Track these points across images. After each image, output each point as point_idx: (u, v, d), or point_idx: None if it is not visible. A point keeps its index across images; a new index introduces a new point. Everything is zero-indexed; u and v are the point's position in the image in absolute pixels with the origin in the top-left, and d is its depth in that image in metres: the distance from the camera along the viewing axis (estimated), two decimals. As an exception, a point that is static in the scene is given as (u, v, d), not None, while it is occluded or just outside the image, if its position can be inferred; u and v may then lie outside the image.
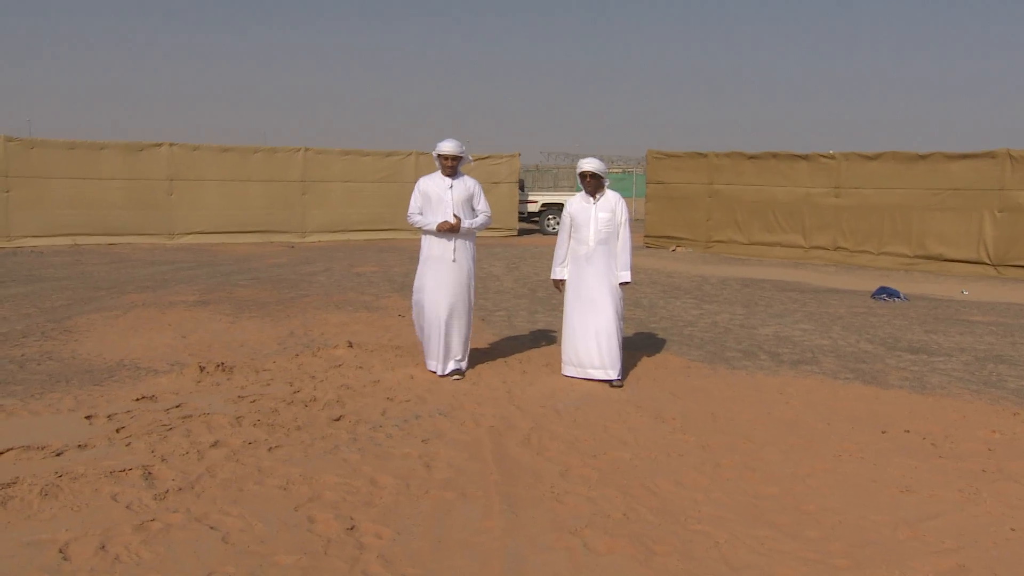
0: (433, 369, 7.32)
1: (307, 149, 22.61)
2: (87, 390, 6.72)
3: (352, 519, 4.27)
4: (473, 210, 7.38)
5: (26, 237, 19.39)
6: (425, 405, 6.40)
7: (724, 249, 20.24)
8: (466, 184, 7.36)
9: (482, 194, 7.48)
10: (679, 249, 20.66)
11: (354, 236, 23.03)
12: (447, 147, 7.20)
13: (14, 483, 4.62)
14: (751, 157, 19.81)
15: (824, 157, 18.61)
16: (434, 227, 7.19)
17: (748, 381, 7.30)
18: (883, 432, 5.75)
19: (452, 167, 7.24)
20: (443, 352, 7.23)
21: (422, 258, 7.34)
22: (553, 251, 7.58)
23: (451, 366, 7.29)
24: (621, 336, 7.22)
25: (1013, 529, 4.14)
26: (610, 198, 7.29)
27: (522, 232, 25.82)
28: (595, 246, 7.17)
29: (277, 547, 3.95)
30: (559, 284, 7.51)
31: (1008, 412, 6.31)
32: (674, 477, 4.90)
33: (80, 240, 19.98)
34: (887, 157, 17.70)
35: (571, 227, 7.34)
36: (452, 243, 7.22)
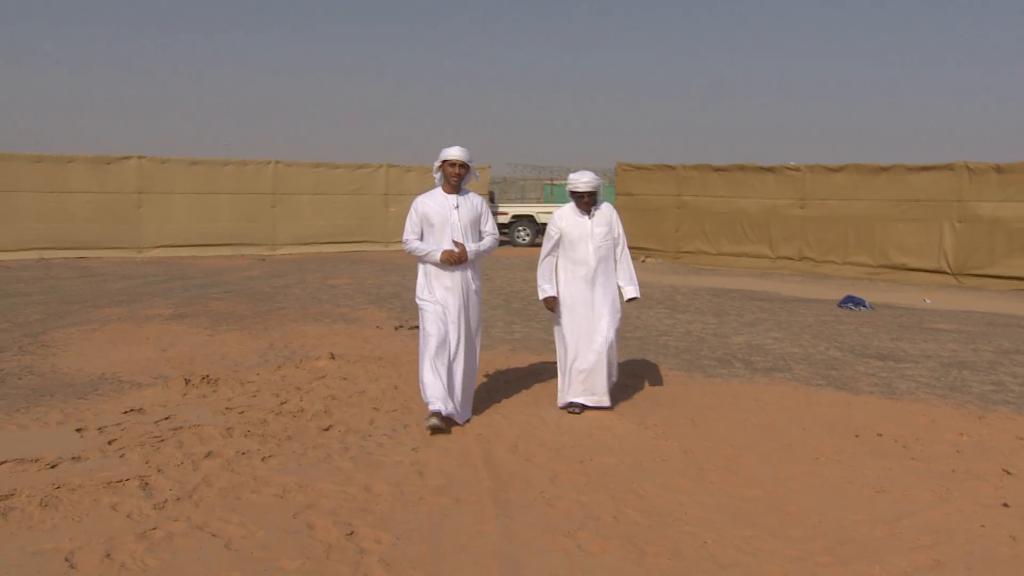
0: (442, 410, 6.02)
1: (277, 162, 22.63)
2: (72, 403, 6.76)
3: (351, 525, 4.39)
4: (479, 232, 6.43)
5: (-7, 251, 19.22)
6: (412, 415, 6.52)
7: (693, 260, 20.56)
8: (473, 203, 6.39)
9: (490, 212, 6.54)
10: (648, 260, 20.94)
11: (325, 248, 23.06)
12: (455, 152, 6.18)
13: (12, 495, 4.68)
14: (718, 169, 20.17)
15: (790, 169, 19.01)
16: (437, 257, 6.18)
17: (724, 388, 7.51)
18: (856, 436, 5.98)
19: (459, 177, 6.24)
20: (456, 391, 6.23)
21: (428, 289, 6.29)
22: (537, 268, 6.82)
23: (463, 412, 6.31)
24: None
25: (983, 526, 4.36)
26: (605, 211, 6.69)
27: (492, 244, 25.99)
28: (597, 264, 6.55)
29: (280, 553, 4.06)
30: (551, 303, 6.69)
31: (974, 416, 6.57)
32: (660, 481, 5.07)
33: (48, 254, 19.83)
34: (850, 169, 18.13)
35: (560, 243, 6.65)
36: (467, 271, 6.31)
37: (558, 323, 6.71)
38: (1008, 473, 5.17)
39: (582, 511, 4.59)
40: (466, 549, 4.13)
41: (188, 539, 4.21)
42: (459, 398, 6.20)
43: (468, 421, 6.34)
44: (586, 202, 6.60)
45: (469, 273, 6.35)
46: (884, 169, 17.66)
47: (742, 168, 19.73)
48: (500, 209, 26.82)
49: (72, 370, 8.06)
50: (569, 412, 6.59)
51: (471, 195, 6.45)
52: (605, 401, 6.61)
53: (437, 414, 5.96)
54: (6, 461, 5.25)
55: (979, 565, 3.91)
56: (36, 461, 5.28)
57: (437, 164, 6.31)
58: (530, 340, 9.85)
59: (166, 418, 6.29)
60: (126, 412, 6.45)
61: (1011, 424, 6.34)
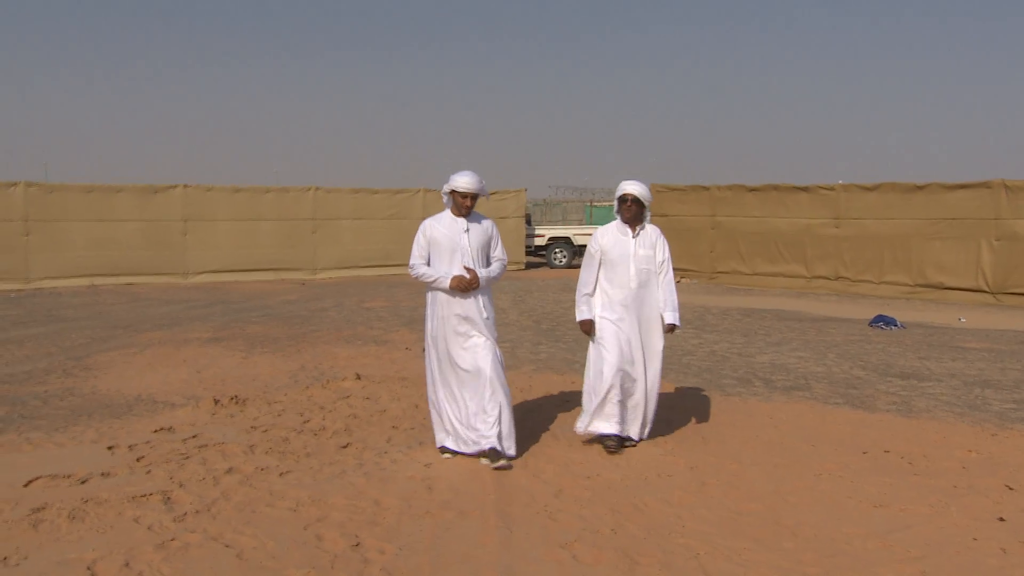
0: (464, 450, 5.92)
1: (317, 188, 23.13)
2: (108, 423, 7.06)
3: (357, 536, 4.57)
4: (488, 257, 6.12)
5: (45, 279, 19.89)
6: (429, 433, 6.68)
7: (728, 280, 20.55)
8: (483, 227, 6.07)
9: (499, 237, 6.23)
10: (684, 280, 20.96)
11: (364, 272, 23.45)
12: (465, 182, 5.86)
13: (43, 508, 4.95)
14: (752, 189, 20.19)
15: (824, 188, 18.96)
16: (447, 284, 5.87)
17: (741, 407, 7.58)
18: (864, 453, 6.02)
19: (469, 208, 5.97)
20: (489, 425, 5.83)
21: (436, 322, 5.99)
22: (576, 287, 6.39)
23: (492, 442, 5.80)
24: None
25: (975, 539, 4.40)
26: (651, 232, 6.27)
27: (529, 266, 26.20)
28: (636, 290, 6.13)
29: (288, 562, 4.25)
30: (588, 326, 6.24)
31: (987, 433, 6.57)
32: (662, 496, 5.18)
33: (97, 281, 20.46)
34: (885, 188, 18.05)
35: (601, 263, 6.24)
36: (478, 298, 5.94)
37: (594, 347, 6.24)
38: (1010, 489, 5.19)
39: (581, 524, 4.72)
40: (465, 559, 4.28)
41: (203, 549, 4.42)
42: (504, 432, 5.81)
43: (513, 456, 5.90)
44: (630, 207, 6.14)
45: (481, 300, 5.95)
46: (920, 187, 17.55)
47: (776, 188, 19.74)
48: (537, 231, 27.04)
49: (111, 391, 8.39)
50: (607, 450, 6.10)
51: (482, 218, 6.12)
52: (632, 433, 6.23)
53: (446, 450, 6.02)
54: (40, 477, 5.53)
55: (964, 576, 3.97)
56: (68, 477, 5.55)
57: (447, 189, 5.96)
58: (554, 360, 10.00)
59: (193, 436, 6.55)
60: (156, 431, 6.72)
61: (1020, 441, 6.32)
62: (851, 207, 18.49)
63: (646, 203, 6.19)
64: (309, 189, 23.07)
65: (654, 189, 22.31)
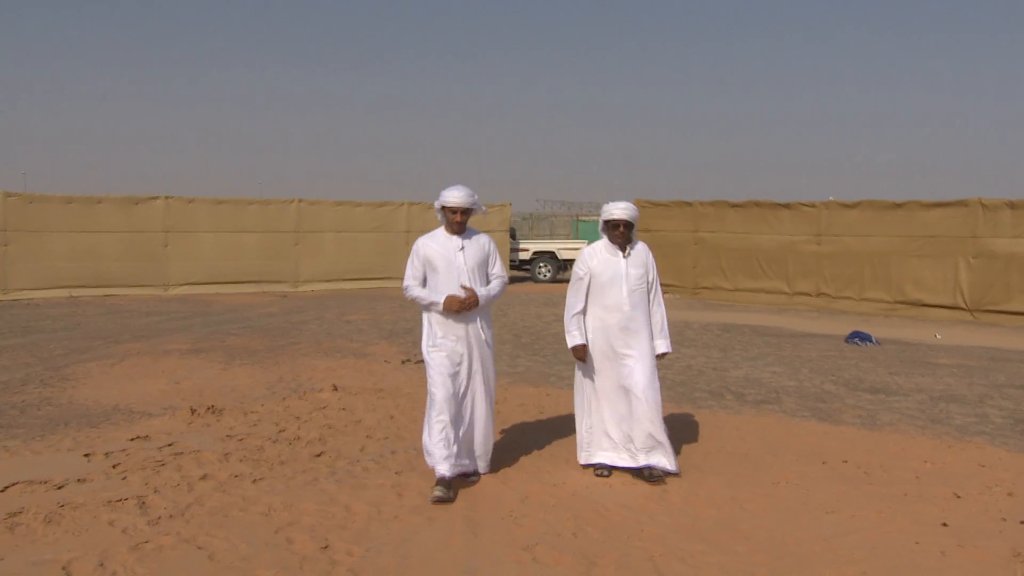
0: (447, 473, 5.59)
1: (300, 200, 23.33)
2: (85, 432, 7.24)
3: (327, 539, 4.79)
4: (486, 275, 5.93)
5: (23, 290, 19.96)
6: (402, 442, 6.93)
7: (711, 295, 20.86)
8: (479, 244, 5.87)
9: (497, 254, 6.02)
10: (667, 295, 21.24)
11: (347, 285, 23.63)
12: (455, 197, 5.69)
13: (20, 512, 5.14)
14: (735, 205, 20.53)
15: (806, 205, 19.30)
16: (441, 306, 5.68)
17: (709, 419, 7.83)
18: (824, 463, 6.29)
19: (462, 224, 5.77)
20: (469, 449, 5.89)
21: (434, 340, 5.79)
22: (564, 312, 6.20)
23: (483, 467, 5.97)
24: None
25: (917, 543, 4.66)
26: (640, 251, 6.07)
27: (513, 280, 26.45)
28: (630, 312, 5.92)
29: (258, 563, 4.47)
30: (581, 351, 6.02)
31: (944, 445, 6.85)
32: (624, 502, 5.42)
33: (78, 292, 20.55)
34: (865, 205, 18.41)
35: (590, 285, 6.03)
36: (476, 320, 5.81)
37: (584, 376, 6.12)
38: (958, 497, 5.46)
39: (544, 528, 4.96)
40: (430, 561, 4.51)
41: (176, 551, 4.63)
42: (478, 453, 5.89)
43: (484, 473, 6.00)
44: (622, 232, 5.94)
45: (479, 321, 5.82)
46: (899, 205, 17.91)
47: (758, 204, 20.08)
48: (521, 245, 27.30)
49: (88, 401, 8.56)
50: (596, 474, 5.99)
51: (478, 235, 5.92)
52: (651, 460, 5.87)
53: (443, 481, 5.52)
54: (17, 483, 5.72)
55: (903, 576, 4.23)
56: (45, 483, 5.74)
57: (438, 205, 5.80)
58: (531, 373, 10.23)
59: (169, 444, 6.75)
60: (132, 439, 6.91)
61: (978, 453, 6.60)
62: (832, 224, 18.84)
63: (635, 223, 6.01)
64: (292, 201, 23.27)
65: (638, 204, 22.63)
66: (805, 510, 5.24)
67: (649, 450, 5.83)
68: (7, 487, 5.64)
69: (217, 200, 22.56)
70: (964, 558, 4.47)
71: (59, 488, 5.65)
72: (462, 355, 5.77)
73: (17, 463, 6.27)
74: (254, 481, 5.83)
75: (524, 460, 6.41)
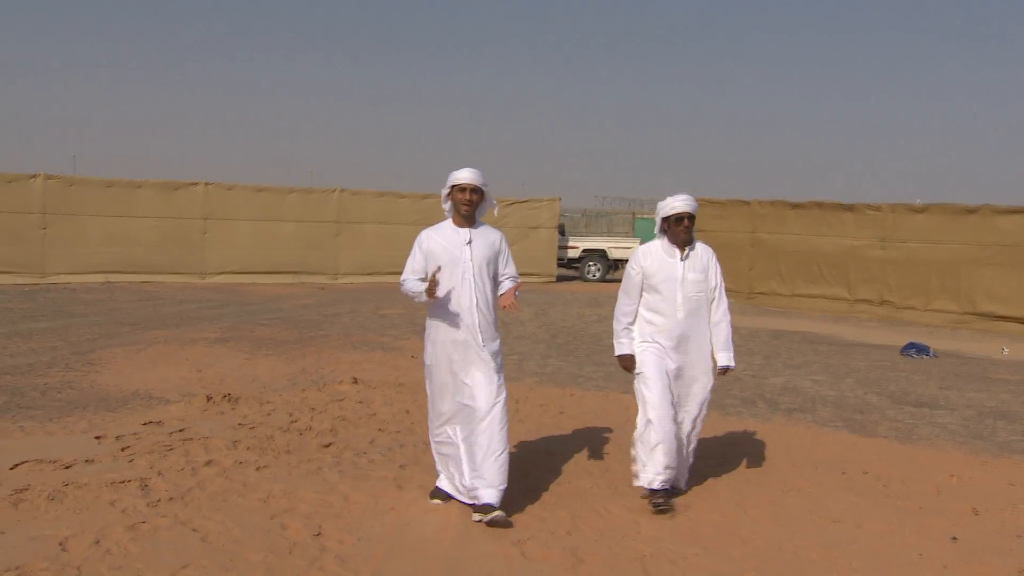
0: (455, 495, 5.51)
1: (342, 190, 23.76)
2: (101, 415, 7.63)
3: (320, 527, 5.05)
4: (495, 274, 5.61)
5: (60, 274, 20.74)
6: (413, 436, 7.17)
7: (767, 301, 20.76)
8: (490, 239, 5.56)
9: (509, 252, 5.70)
10: (721, 300, 21.21)
11: (387, 279, 23.93)
12: (465, 175, 5.45)
13: (26, 489, 5.50)
14: (795, 206, 20.41)
15: (870, 208, 19.10)
16: (425, 296, 5.34)
17: (735, 426, 7.94)
18: (843, 473, 6.38)
19: (471, 205, 5.45)
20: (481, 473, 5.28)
21: (434, 348, 5.52)
22: (614, 315, 5.89)
23: (489, 495, 5.20)
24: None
25: (920, 555, 4.76)
26: (701, 254, 5.77)
27: (561, 279, 26.59)
28: (684, 319, 5.62)
29: (249, 546, 4.74)
30: (628, 361, 5.77)
31: (979, 461, 6.87)
32: (625, 503, 5.59)
33: (113, 278, 21.25)
34: (934, 210, 18.17)
35: (643, 287, 5.74)
36: (475, 318, 5.40)
37: (640, 391, 5.70)
38: (976, 513, 5.51)
39: (540, 525, 5.16)
40: (419, 552, 4.74)
41: (170, 532, 4.92)
42: (488, 472, 5.23)
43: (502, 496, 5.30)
44: (687, 226, 5.62)
45: (480, 323, 5.43)
46: (971, 210, 17.63)
47: (820, 205, 19.93)
48: (570, 243, 27.42)
49: (109, 386, 8.98)
50: (654, 508, 5.44)
51: (487, 228, 5.61)
52: (681, 483, 5.82)
53: (439, 492, 5.56)
54: (27, 461, 6.10)
55: (896, 588, 4.34)
56: (53, 462, 6.11)
57: (445, 192, 5.57)
58: (559, 374, 10.42)
59: (180, 430, 7.08)
60: (145, 424, 7.27)
61: (1013, 470, 6.63)
62: (898, 229, 18.62)
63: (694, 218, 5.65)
64: (334, 191, 23.71)
65: (693, 203, 22.62)
66: (810, 519, 5.35)
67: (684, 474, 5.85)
68: (17, 465, 6.02)
69: (257, 188, 23.12)
70: (967, 573, 4.55)
71: (67, 468, 6.00)
72: (461, 361, 5.38)
73: (30, 443, 6.65)
74: (258, 468, 6.12)
75: (532, 459, 6.60)
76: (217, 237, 22.42)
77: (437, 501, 5.54)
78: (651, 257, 5.73)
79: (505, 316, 16.20)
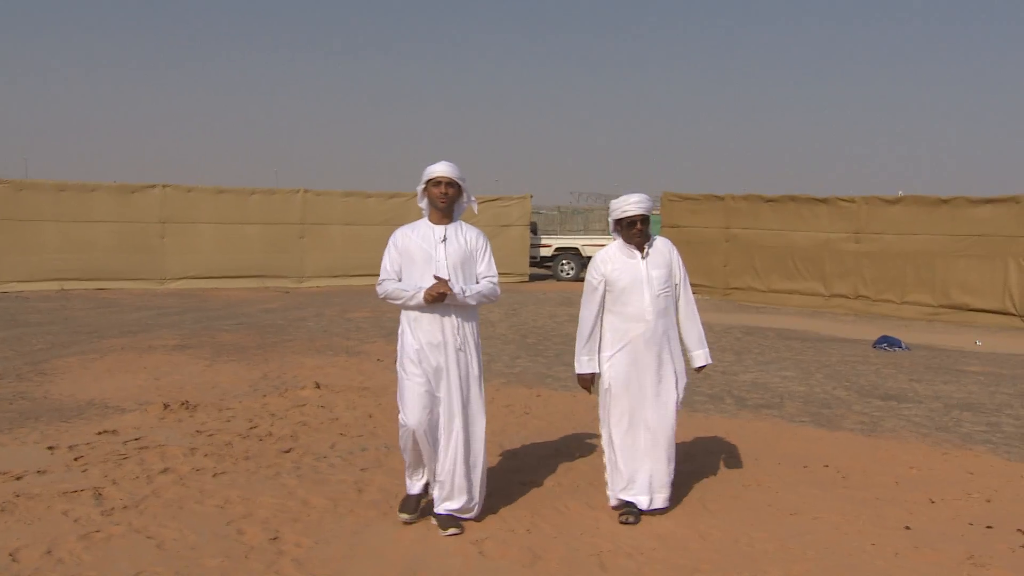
0: (417, 491, 5.51)
1: (306, 191, 23.76)
2: (54, 426, 7.70)
3: (278, 531, 5.19)
4: (472, 275, 5.46)
5: (12, 282, 20.60)
6: (375, 439, 7.31)
7: (743, 297, 21.02)
8: (467, 237, 5.44)
9: (489, 251, 5.55)
10: (695, 296, 21.41)
11: (355, 281, 23.98)
12: (440, 168, 5.35)
13: (-24, 500, 5.59)
14: (769, 200, 20.70)
15: (844, 201, 19.41)
16: (421, 297, 5.22)
17: (701, 423, 8.13)
18: (804, 467, 6.59)
19: (447, 199, 5.35)
20: (448, 482, 5.32)
21: (405, 354, 5.41)
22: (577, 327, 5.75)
23: (457, 504, 5.30)
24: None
25: (873, 544, 4.98)
26: (661, 248, 5.65)
27: (534, 278, 26.76)
28: (655, 320, 5.49)
29: (205, 552, 4.87)
30: (586, 381, 5.68)
31: (939, 452, 7.11)
32: (586, 501, 5.78)
33: (68, 285, 21.14)
34: (908, 201, 18.51)
35: (605, 293, 5.59)
36: (453, 320, 5.31)
37: (605, 406, 5.61)
38: (932, 502, 5.74)
39: (499, 524, 5.34)
40: (378, 553, 4.89)
41: (125, 540, 5.04)
42: (464, 484, 5.27)
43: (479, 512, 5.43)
44: (639, 230, 5.51)
45: (465, 325, 5.38)
46: (944, 201, 17.99)
47: (794, 199, 20.23)
48: (543, 241, 27.61)
49: (63, 396, 9.04)
50: (621, 520, 5.41)
51: (465, 226, 5.51)
52: (663, 500, 5.55)
53: (409, 503, 5.46)
54: (-23, 473, 6.18)
55: (848, 575, 4.54)
56: (4, 474, 6.19)
57: (420, 188, 5.46)
58: (527, 375, 10.58)
59: (136, 439, 7.18)
60: (99, 433, 7.36)
61: (972, 461, 6.87)
62: (872, 221, 18.94)
63: (648, 218, 5.54)
64: (298, 191, 23.72)
65: (666, 198, 22.88)
66: (769, 512, 5.55)
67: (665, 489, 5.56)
68: (-33, 477, 6.09)
69: (218, 189, 23.08)
70: (917, 559, 4.76)
71: (17, 479, 6.09)
72: (441, 364, 5.30)
73: (-19, 454, 6.73)
74: (215, 475, 6.24)
75: (494, 458, 6.76)
76: (176, 241, 22.35)
77: (405, 517, 5.37)
78: (611, 262, 5.59)
79: (487, 314, 16.37)
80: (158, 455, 6.72)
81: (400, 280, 5.38)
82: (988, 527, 5.28)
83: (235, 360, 11.39)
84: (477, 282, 5.45)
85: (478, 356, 5.49)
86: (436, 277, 5.22)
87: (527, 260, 26.29)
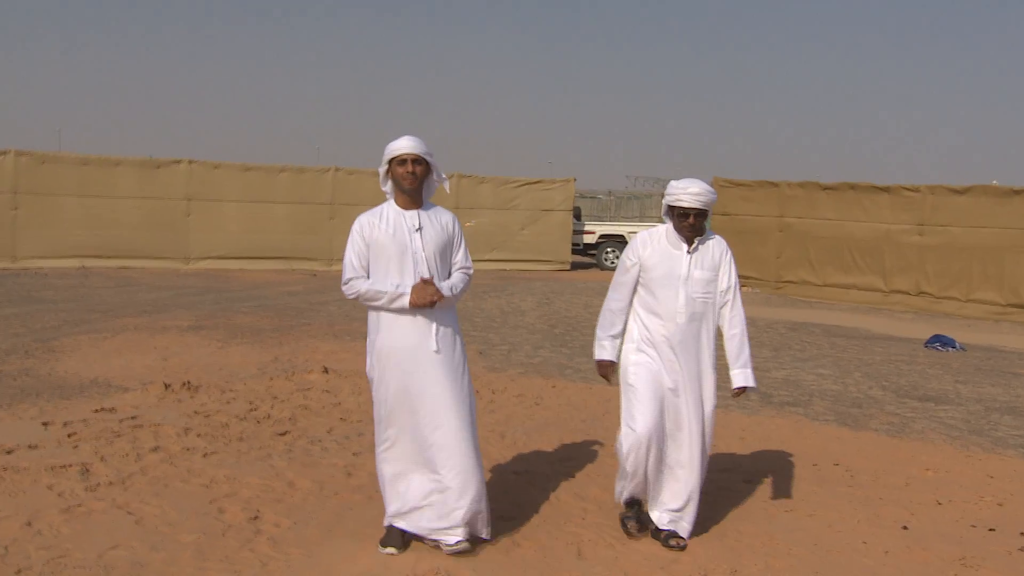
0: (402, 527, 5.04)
1: (337, 169, 24.13)
2: (54, 403, 8.09)
3: (258, 511, 5.48)
4: (449, 266, 5.15)
5: (33, 258, 21.27)
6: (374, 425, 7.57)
7: (795, 291, 20.98)
8: (441, 223, 5.11)
9: (463, 237, 5.25)
10: (745, 289, 21.46)
11: (386, 266, 24.34)
12: (404, 144, 4.90)
13: (-39, 473, 5.96)
14: (826, 188, 20.62)
15: (907, 190, 19.28)
16: (406, 302, 4.89)
17: (719, 419, 8.15)
18: (814, 465, 6.75)
19: (415, 178, 4.95)
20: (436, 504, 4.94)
21: (378, 358, 5.21)
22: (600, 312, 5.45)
23: (454, 524, 4.89)
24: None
25: (864, 542, 5.15)
26: (712, 249, 5.25)
27: (576, 266, 26.90)
28: (686, 324, 5.11)
29: (182, 529, 5.18)
30: (605, 368, 5.38)
31: (963, 455, 7.22)
32: (579, 491, 6.00)
33: (89, 263, 21.74)
34: (978, 191, 18.35)
35: (638, 281, 5.26)
36: (431, 322, 4.98)
37: (627, 404, 5.23)
38: (939, 504, 5.87)
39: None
40: (356, 534, 5.18)
41: (105, 515, 5.37)
42: (464, 504, 4.87)
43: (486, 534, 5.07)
44: (692, 224, 5.10)
45: (444, 325, 5.04)
46: (1016, 192, 17.83)
47: (853, 187, 20.13)
48: (586, 227, 27.71)
49: (68, 374, 9.45)
50: (623, 524, 5.31)
51: (438, 210, 5.17)
52: (664, 522, 5.16)
53: (392, 536, 5.02)
54: (-32, 446, 6.57)
55: (830, 571, 4.73)
56: (-4, 447, 6.57)
57: (383, 169, 5.03)
58: (547, 365, 10.80)
59: (132, 417, 7.54)
60: (96, 411, 7.72)
61: (996, 465, 6.97)
62: (937, 212, 18.81)
63: (709, 212, 5.18)
64: (328, 170, 24.09)
65: (716, 184, 22.81)
66: (763, 507, 5.74)
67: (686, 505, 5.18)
68: (-43, 450, 6.48)
69: (245, 166, 23.55)
70: (908, 559, 4.92)
71: (8, 453, 6.45)
72: (430, 366, 4.98)
73: (-24, 428, 7.13)
74: (205, 455, 6.56)
75: (494, 450, 6.99)
76: (201, 219, 22.85)
77: (391, 550, 4.94)
78: (652, 246, 5.22)
79: (506, 306, 16.61)
80: (151, 434, 7.05)
81: (368, 276, 5.04)
82: (991, 530, 5.42)
83: (248, 342, 11.75)
84: (451, 274, 5.15)
85: (463, 351, 5.19)
86: (424, 280, 4.90)
87: (568, 247, 26.38)
